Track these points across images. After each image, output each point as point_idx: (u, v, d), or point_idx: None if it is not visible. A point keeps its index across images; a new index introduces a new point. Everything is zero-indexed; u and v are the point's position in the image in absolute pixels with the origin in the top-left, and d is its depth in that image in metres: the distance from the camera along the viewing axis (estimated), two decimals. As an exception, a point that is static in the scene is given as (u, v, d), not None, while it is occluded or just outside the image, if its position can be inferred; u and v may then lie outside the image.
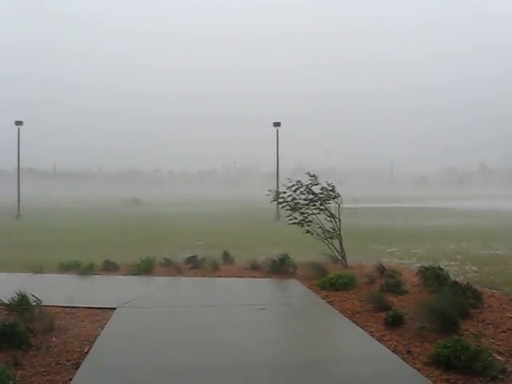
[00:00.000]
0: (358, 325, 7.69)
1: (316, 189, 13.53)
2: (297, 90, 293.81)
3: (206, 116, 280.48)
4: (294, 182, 13.60)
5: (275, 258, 12.72)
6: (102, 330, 7.37)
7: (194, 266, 13.11)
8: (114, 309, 8.59)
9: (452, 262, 15.04)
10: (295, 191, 13.56)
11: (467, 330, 7.05)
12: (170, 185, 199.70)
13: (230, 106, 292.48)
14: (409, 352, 6.38)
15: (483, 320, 7.64)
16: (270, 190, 14.76)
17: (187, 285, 11.41)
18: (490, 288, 10.31)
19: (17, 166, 44.06)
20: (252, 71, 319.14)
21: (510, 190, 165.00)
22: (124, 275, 12.14)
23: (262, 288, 11.15)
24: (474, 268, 14.12)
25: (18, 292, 7.67)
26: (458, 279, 10.50)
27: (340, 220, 13.22)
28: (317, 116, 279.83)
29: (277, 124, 43.22)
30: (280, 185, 16.15)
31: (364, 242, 20.32)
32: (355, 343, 7.05)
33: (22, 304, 7.55)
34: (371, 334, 7.19)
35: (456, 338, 6.22)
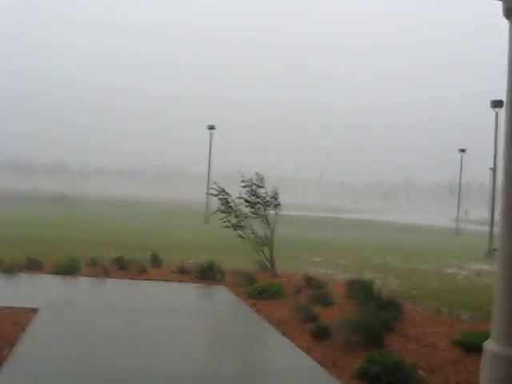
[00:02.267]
0: (284, 335, 7.73)
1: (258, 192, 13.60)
2: (240, 96, 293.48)
3: (140, 111, 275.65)
4: (245, 179, 13.59)
5: (203, 264, 12.65)
6: (23, 332, 7.07)
7: (121, 267, 12.83)
8: (37, 309, 8.29)
9: (376, 275, 15.38)
10: (245, 187, 13.54)
11: (391, 344, 7.23)
12: (100, 181, 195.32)
13: (164, 104, 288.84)
14: (335, 365, 6.46)
15: (406, 334, 7.86)
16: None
17: (114, 287, 11.18)
18: (411, 302, 10.62)
19: None
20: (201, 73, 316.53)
21: (433, 204, 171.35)
22: (48, 274, 11.72)
23: (189, 293, 11.10)
24: (397, 281, 14.50)
25: None
26: (381, 292, 10.79)
27: (273, 228, 13.33)
28: (253, 124, 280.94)
29: (211, 127, 43.35)
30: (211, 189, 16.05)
31: (290, 250, 20.49)
32: (281, 354, 7.10)
33: None
34: (298, 344, 7.24)
35: (382, 352, 6.36)
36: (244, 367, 6.47)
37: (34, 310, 8.22)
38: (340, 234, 35.59)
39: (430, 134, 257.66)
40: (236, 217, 13.40)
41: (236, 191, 14.06)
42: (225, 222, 13.37)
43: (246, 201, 13.52)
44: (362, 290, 9.84)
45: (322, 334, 7.50)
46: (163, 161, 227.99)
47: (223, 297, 10.80)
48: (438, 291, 12.96)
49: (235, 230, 13.30)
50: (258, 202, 13.46)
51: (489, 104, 28.38)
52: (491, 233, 27.26)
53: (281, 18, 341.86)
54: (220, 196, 13.68)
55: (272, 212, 13.66)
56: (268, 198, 13.57)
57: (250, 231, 13.24)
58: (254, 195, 13.52)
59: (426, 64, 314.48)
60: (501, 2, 5.32)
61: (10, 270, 11.59)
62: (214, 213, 13.93)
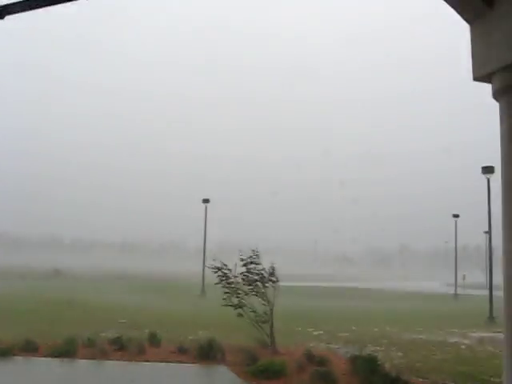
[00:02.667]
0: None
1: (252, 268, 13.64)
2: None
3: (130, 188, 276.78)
4: (244, 257, 13.64)
5: (202, 342, 12.48)
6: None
7: (119, 347, 12.65)
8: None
9: (378, 348, 15.17)
10: (244, 266, 13.58)
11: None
12: (93, 256, 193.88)
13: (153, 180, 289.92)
14: None
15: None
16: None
17: (113, 371, 10.97)
18: (416, 376, 10.46)
19: None
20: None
21: (429, 270, 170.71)
22: (45, 357, 11.51)
23: (191, 377, 10.89)
24: (400, 354, 14.29)
25: None
26: (385, 366, 10.65)
27: (273, 305, 13.27)
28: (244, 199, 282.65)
29: (206, 201, 43.50)
30: (210, 259, 16.10)
31: (290, 323, 20.23)
32: None
33: None
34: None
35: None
36: None
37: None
38: (337, 303, 35.23)
39: (423, 201, 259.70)
40: (237, 297, 13.38)
41: (231, 262, 14.11)
42: (225, 299, 13.34)
43: (245, 280, 13.54)
44: (366, 366, 9.70)
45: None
46: (157, 235, 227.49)
47: (225, 379, 10.59)
48: (442, 363, 12.81)
49: (236, 309, 13.24)
50: (257, 280, 13.47)
51: (480, 170, 28.87)
52: (491, 297, 27.03)
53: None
54: (220, 273, 13.70)
55: (270, 286, 13.63)
56: (265, 275, 13.59)
57: (250, 309, 13.16)
58: (251, 273, 13.56)
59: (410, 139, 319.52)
60: (490, 85, 5.55)
61: (5, 353, 11.41)
62: (217, 284, 13.84)
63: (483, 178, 28.72)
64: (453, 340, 17.80)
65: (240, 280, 13.63)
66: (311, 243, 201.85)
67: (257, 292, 13.45)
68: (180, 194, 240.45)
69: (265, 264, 13.93)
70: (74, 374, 10.83)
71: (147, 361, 11.65)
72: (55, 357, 11.46)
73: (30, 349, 12.03)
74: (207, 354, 11.99)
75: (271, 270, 13.67)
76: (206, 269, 14.96)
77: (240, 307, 13.25)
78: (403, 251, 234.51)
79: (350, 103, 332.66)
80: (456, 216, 50.73)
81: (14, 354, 11.50)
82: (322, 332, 18.82)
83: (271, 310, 13.26)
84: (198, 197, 45.07)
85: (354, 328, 20.23)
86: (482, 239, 68.06)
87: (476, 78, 5.88)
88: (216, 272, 13.83)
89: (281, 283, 13.82)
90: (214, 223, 47.67)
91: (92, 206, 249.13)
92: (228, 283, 13.58)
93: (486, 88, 5.84)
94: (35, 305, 24.84)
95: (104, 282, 57.74)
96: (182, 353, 12.49)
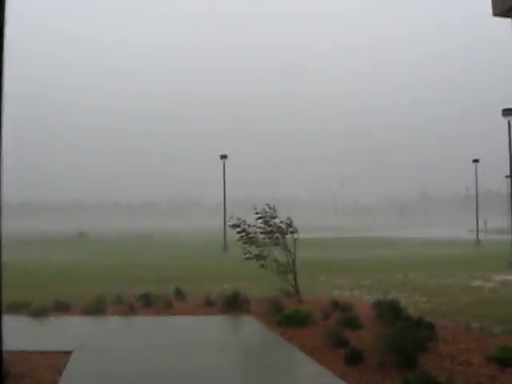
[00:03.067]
0: (318, 362, 7.73)
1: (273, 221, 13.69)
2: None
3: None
4: (259, 211, 13.68)
5: (228, 294, 12.68)
6: (60, 375, 7.13)
7: (147, 303, 12.89)
8: (70, 352, 8.33)
9: (401, 293, 15.31)
10: (259, 219, 13.64)
11: (425, 365, 7.19)
12: (114, 217, 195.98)
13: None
14: (372, 389, 6.46)
15: (439, 353, 7.83)
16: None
17: (142, 325, 11.18)
18: (441, 319, 10.56)
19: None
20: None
21: (451, 217, 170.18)
22: (76, 315, 11.79)
23: (218, 326, 11.10)
24: (424, 299, 14.42)
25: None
26: (409, 310, 10.76)
27: (295, 254, 13.37)
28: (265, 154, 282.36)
29: (224, 156, 43.49)
30: (227, 216, 16.21)
31: (313, 273, 20.42)
32: (318, 382, 7.08)
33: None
34: (333, 370, 7.24)
35: (418, 372, 6.35)
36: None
37: (68, 353, 8.28)
38: (359, 253, 35.45)
39: (444, 148, 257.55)
40: (257, 247, 13.47)
41: (250, 219, 14.15)
42: (246, 253, 13.45)
43: (263, 232, 13.60)
44: (390, 311, 9.81)
45: (355, 359, 7.48)
46: (176, 192, 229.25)
47: (252, 327, 10.78)
48: (466, 306, 12.89)
49: (257, 260, 13.37)
50: (275, 231, 13.53)
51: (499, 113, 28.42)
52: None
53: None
54: (239, 229, 13.75)
55: (290, 238, 13.70)
56: (283, 226, 13.64)
57: (272, 260, 13.29)
58: (269, 226, 13.61)
59: (433, 79, 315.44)
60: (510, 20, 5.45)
61: (39, 313, 11.69)
62: (238, 241, 13.92)
63: (504, 121, 28.34)
64: (476, 284, 17.89)
65: (259, 233, 13.68)
66: (331, 195, 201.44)
67: (277, 243, 13.53)
68: (198, 155, 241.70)
69: (283, 218, 13.97)
70: (107, 327, 11.11)
71: (175, 315, 11.90)
72: (86, 315, 11.75)
73: (61, 308, 12.35)
74: (233, 305, 12.20)
75: (288, 222, 13.71)
76: (228, 225, 14.97)
77: (262, 258, 13.37)
78: (424, 200, 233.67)
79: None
80: (476, 161, 50.15)
81: (47, 314, 11.78)
82: (344, 281, 19.03)
83: (293, 259, 13.37)
84: (216, 154, 45.10)
85: (376, 276, 20.39)
86: (503, 184, 67.60)
87: (496, 14, 5.76)
88: (234, 228, 13.89)
89: (300, 235, 13.88)
90: (232, 179, 47.77)
91: (112, 171, 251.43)
92: (248, 237, 13.63)
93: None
94: (62, 268, 25.33)
95: (127, 242, 58.60)
96: (209, 306, 12.71)
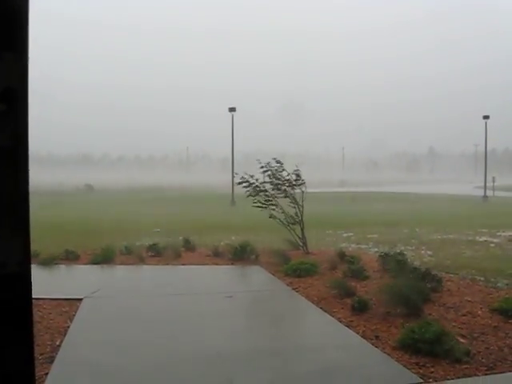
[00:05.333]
0: (325, 311, 7.87)
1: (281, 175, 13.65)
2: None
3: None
4: (264, 164, 13.63)
5: (237, 245, 12.82)
6: (71, 322, 7.29)
7: (156, 253, 13.09)
8: (80, 299, 8.51)
9: (408, 247, 15.43)
10: (265, 172, 13.62)
11: (430, 314, 7.32)
12: (121, 170, 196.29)
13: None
14: (377, 337, 6.58)
15: (444, 304, 7.94)
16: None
17: (151, 273, 11.38)
18: (446, 272, 10.67)
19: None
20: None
21: (458, 173, 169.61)
22: (85, 264, 12.00)
23: (227, 275, 11.26)
24: (430, 252, 14.53)
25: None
26: (415, 264, 10.87)
27: (303, 207, 13.42)
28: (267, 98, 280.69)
29: (232, 109, 43.09)
30: (235, 169, 16.21)
31: (320, 227, 20.55)
32: (326, 330, 7.21)
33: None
34: (340, 320, 7.38)
35: (421, 322, 6.46)
36: (292, 344, 6.59)
37: (79, 300, 8.46)
38: (366, 207, 35.53)
39: (452, 104, 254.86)
40: (265, 197, 13.46)
41: (258, 173, 14.10)
42: (255, 202, 13.41)
43: (271, 183, 13.55)
44: (396, 263, 9.91)
45: (361, 308, 7.62)
46: (183, 145, 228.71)
47: (261, 277, 10.93)
48: (472, 260, 12.98)
49: (266, 208, 13.32)
50: (282, 184, 13.48)
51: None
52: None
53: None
54: (245, 184, 13.64)
55: (298, 191, 13.69)
56: (291, 179, 13.59)
57: (280, 211, 13.32)
58: (276, 178, 13.55)
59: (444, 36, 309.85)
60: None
61: (49, 262, 11.87)
62: (248, 196, 13.86)
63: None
64: (482, 239, 17.95)
65: (267, 186, 13.62)
66: (339, 150, 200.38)
67: (286, 196, 13.52)
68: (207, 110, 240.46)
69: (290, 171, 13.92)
70: (116, 276, 11.33)
71: (184, 264, 12.07)
72: (95, 264, 11.93)
73: (70, 258, 12.54)
74: (241, 256, 12.37)
75: (296, 174, 13.66)
76: (235, 179, 14.93)
77: (270, 205, 13.30)
78: (431, 156, 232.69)
79: None
80: (486, 117, 49.42)
81: (56, 263, 11.96)
82: (351, 234, 19.15)
83: (301, 211, 13.42)
84: (224, 109, 44.62)
85: (383, 230, 20.50)
86: (511, 141, 66.92)
87: None
88: (241, 183, 13.82)
89: (308, 189, 13.86)
90: (240, 134, 47.51)
91: (119, 126, 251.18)
92: (256, 190, 13.56)
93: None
94: (70, 219, 25.53)
95: (136, 194, 58.87)
96: (217, 256, 12.88)
